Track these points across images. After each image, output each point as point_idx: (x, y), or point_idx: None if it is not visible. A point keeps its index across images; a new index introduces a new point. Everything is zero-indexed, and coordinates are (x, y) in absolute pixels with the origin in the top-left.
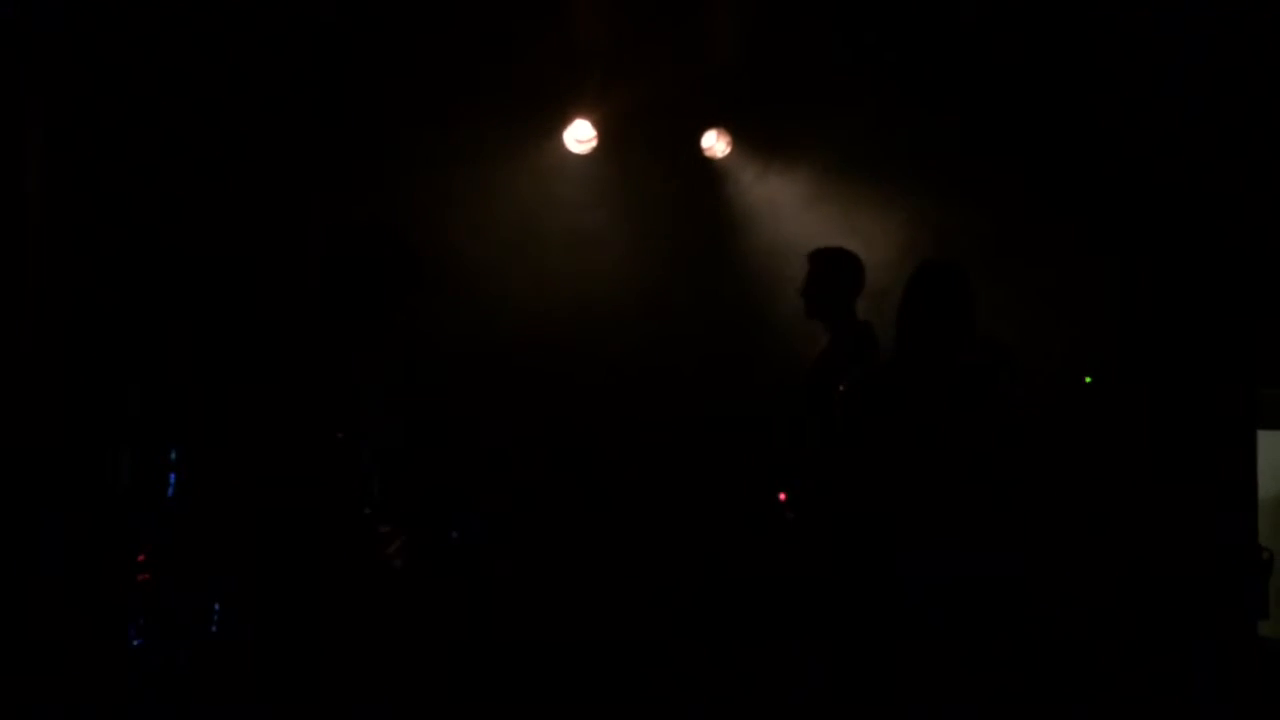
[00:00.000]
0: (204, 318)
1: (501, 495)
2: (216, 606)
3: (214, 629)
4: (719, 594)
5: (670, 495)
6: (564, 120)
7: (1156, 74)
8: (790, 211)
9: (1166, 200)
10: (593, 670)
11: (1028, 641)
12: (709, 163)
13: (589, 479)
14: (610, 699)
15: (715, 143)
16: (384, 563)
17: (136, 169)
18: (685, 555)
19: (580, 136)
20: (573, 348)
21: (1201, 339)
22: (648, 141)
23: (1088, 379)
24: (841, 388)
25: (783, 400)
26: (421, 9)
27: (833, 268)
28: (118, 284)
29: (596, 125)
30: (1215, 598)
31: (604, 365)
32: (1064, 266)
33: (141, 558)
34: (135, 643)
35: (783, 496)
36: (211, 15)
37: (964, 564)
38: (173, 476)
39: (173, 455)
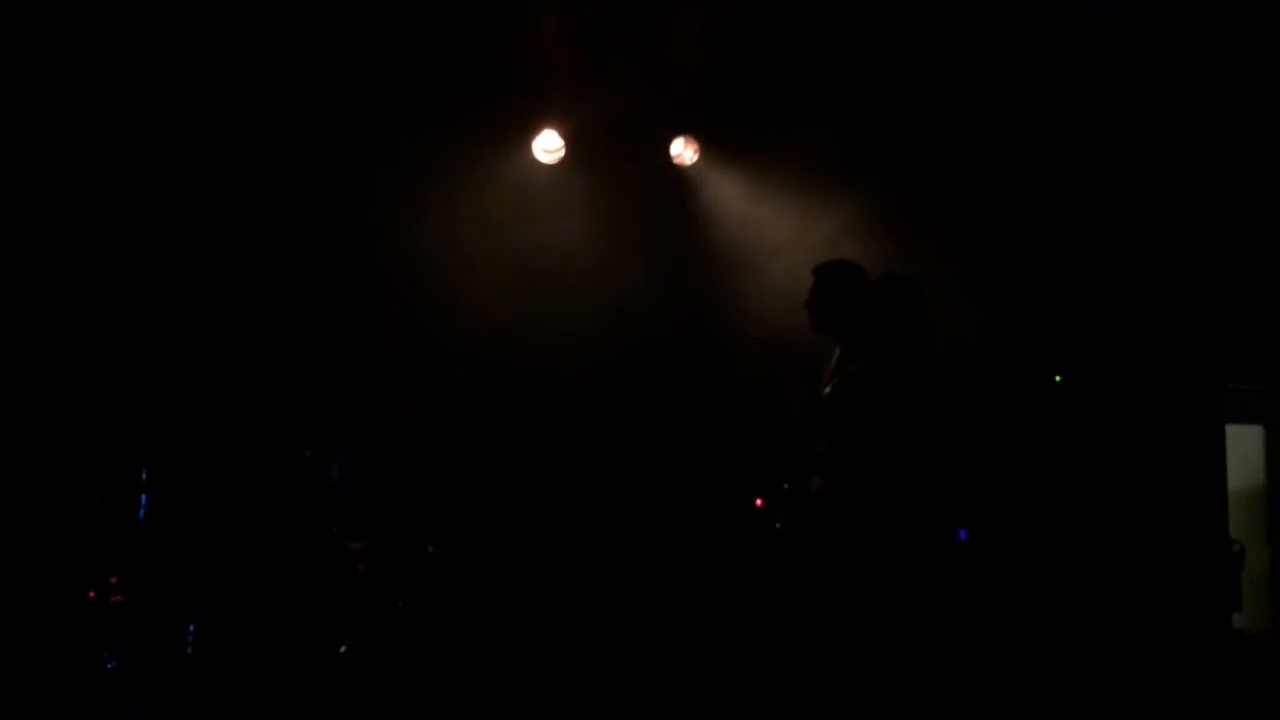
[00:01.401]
0: (172, 340)
1: (478, 507)
2: (191, 627)
3: (189, 649)
4: (717, 594)
5: (648, 500)
6: (532, 131)
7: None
8: (760, 218)
9: (1135, 203)
10: (592, 670)
11: (1017, 640)
12: (678, 170)
13: (566, 486)
14: (610, 699)
15: (683, 150)
16: (354, 578)
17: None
18: (675, 558)
19: (548, 146)
20: (545, 357)
21: (1171, 337)
22: (616, 150)
23: (1058, 378)
24: (824, 394)
25: (756, 402)
26: (387, 23)
27: (837, 282)
28: (92, 302)
29: (564, 135)
30: (1188, 591)
31: (577, 373)
32: (1034, 268)
33: (114, 580)
34: (109, 665)
35: (759, 502)
36: (210, 16)
37: (957, 561)
38: (144, 497)
39: (144, 475)
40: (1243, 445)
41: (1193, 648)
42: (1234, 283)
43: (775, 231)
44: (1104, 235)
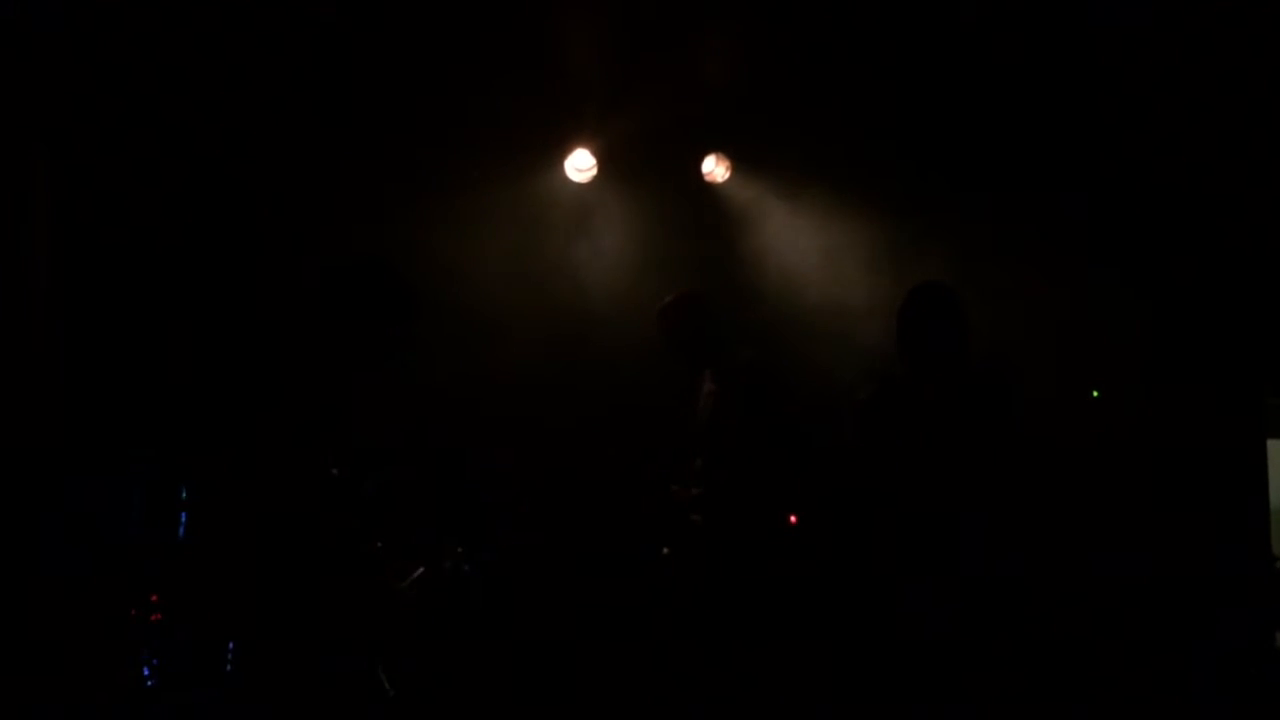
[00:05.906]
0: (202, 353)
1: (510, 522)
2: (231, 645)
3: (228, 667)
4: (720, 595)
5: (674, 513)
6: (564, 149)
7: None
8: (793, 235)
9: (1170, 212)
10: (593, 670)
11: (1029, 644)
12: (710, 188)
13: (594, 500)
14: (611, 699)
15: (715, 168)
16: (396, 595)
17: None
18: (690, 560)
19: (580, 165)
20: (577, 374)
21: (1209, 350)
22: (648, 168)
23: (1095, 393)
24: (859, 400)
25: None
26: (423, 42)
27: (686, 317)
28: (119, 312)
29: (596, 154)
30: (1229, 609)
31: (608, 391)
32: (1071, 281)
33: (155, 598)
34: (149, 683)
35: (794, 519)
36: (211, 15)
37: (967, 565)
38: (184, 516)
39: (183, 494)
40: None
41: (1234, 667)
42: (1272, 295)
43: (808, 247)
44: (1140, 249)
